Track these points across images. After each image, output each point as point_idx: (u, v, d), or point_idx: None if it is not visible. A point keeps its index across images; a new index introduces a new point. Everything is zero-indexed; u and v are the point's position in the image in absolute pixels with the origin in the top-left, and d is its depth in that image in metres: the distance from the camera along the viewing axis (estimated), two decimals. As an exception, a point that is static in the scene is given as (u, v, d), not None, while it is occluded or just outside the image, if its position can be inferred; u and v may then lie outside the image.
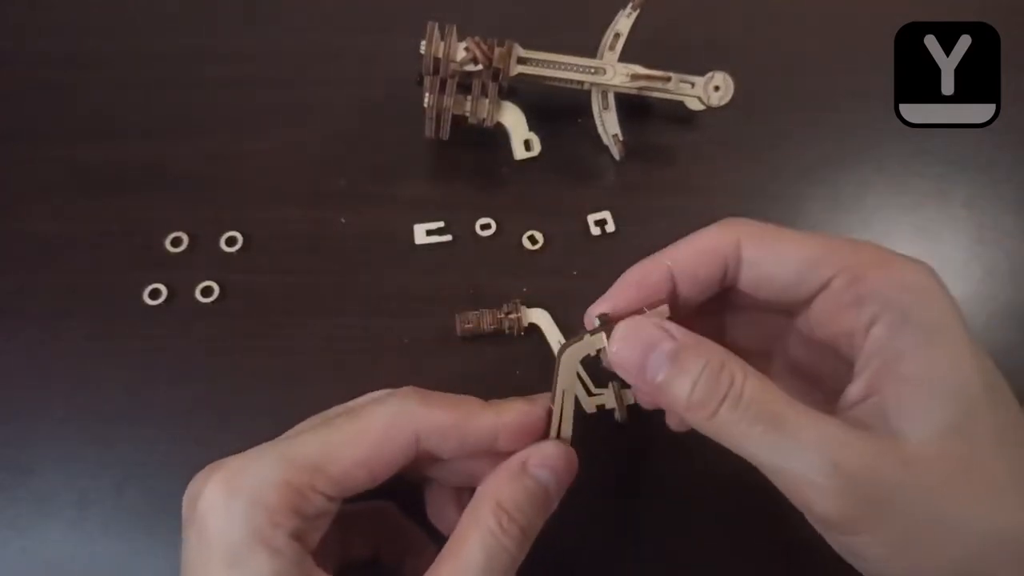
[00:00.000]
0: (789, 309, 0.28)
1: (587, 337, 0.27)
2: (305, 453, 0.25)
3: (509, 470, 0.26)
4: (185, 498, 0.25)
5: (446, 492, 0.30)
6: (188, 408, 0.37)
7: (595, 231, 0.41)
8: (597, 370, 0.33)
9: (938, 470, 0.22)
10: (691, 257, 0.27)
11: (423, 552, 0.29)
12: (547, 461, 0.26)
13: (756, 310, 0.29)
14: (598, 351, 0.27)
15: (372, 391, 0.29)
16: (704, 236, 0.27)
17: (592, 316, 0.28)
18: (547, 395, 0.28)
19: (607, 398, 0.34)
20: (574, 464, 0.27)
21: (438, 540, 0.27)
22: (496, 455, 0.27)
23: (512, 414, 0.27)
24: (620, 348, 0.26)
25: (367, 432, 0.26)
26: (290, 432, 0.28)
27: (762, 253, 0.26)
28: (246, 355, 0.38)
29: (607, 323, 0.27)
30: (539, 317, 0.38)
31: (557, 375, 0.27)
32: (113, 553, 0.34)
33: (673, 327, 0.25)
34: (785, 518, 0.25)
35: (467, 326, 0.38)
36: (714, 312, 0.30)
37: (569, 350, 0.27)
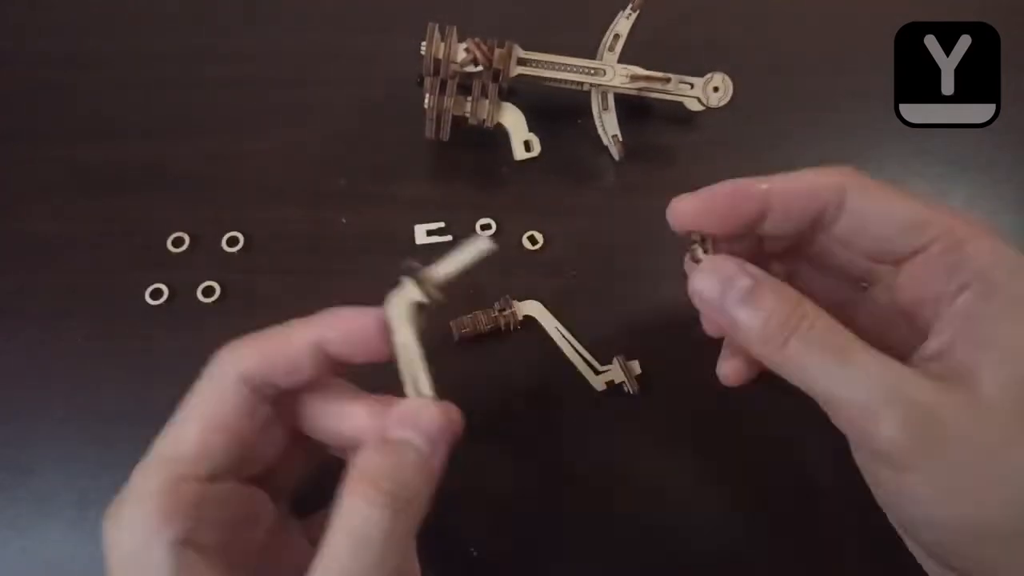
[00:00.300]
0: (874, 267, 0.28)
1: (407, 286, 0.26)
2: (158, 452, 0.25)
3: (369, 444, 0.25)
4: None
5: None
6: (188, 408, 0.37)
7: (595, 230, 0.41)
8: (601, 349, 0.34)
9: (1001, 417, 0.22)
10: (791, 190, 0.27)
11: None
12: (404, 420, 0.25)
13: (830, 273, 0.29)
14: (425, 294, 0.26)
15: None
16: (810, 175, 0.27)
17: (675, 212, 0.28)
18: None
19: (615, 373, 0.34)
20: (445, 416, 0.25)
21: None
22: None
23: (327, 316, 0.27)
24: (701, 281, 0.26)
25: (196, 401, 0.26)
26: None
27: (868, 204, 0.26)
28: (246, 355, 0.38)
29: (698, 239, 0.27)
30: (533, 308, 0.38)
31: (392, 333, 0.26)
32: (113, 553, 0.34)
33: (752, 268, 0.25)
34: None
35: (464, 331, 0.38)
36: (786, 268, 0.31)
37: (390, 302, 0.26)
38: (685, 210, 0.27)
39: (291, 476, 0.29)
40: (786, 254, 0.30)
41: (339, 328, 0.26)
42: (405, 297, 0.26)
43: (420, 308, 0.27)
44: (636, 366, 0.35)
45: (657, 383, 0.35)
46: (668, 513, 0.35)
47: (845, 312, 0.29)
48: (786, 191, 0.27)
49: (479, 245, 0.26)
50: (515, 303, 0.38)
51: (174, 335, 0.39)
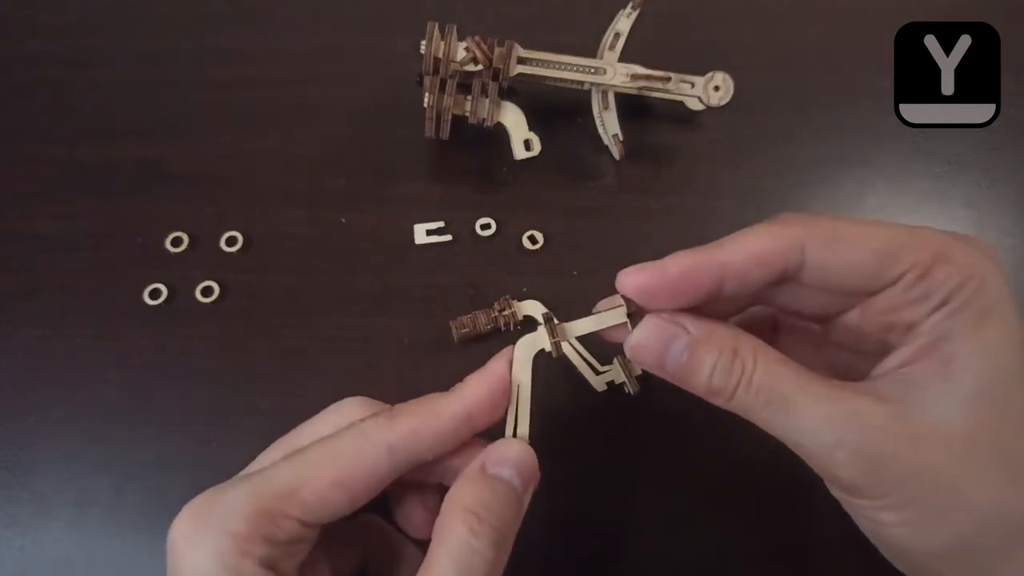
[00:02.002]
0: (840, 302, 0.27)
1: (540, 330, 0.28)
2: (277, 480, 0.25)
3: (469, 475, 0.26)
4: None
5: (411, 494, 0.30)
6: (188, 408, 0.37)
7: (595, 230, 0.41)
8: (601, 347, 0.34)
9: (950, 447, 0.22)
10: (746, 262, 0.25)
11: (412, 563, 0.29)
12: (505, 459, 0.26)
13: (793, 312, 0.29)
14: (554, 345, 0.28)
15: (370, 391, 0.30)
16: (764, 238, 0.25)
17: (622, 287, 0.27)
18: (502, 352, 0.28)
19: (615, 373, 0.34)
20: (535, 461, 0.27)
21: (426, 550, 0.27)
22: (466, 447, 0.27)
23: (473, 387, 0.27)
24: (640, 344, 0.26)
25: (339, 455, 0.26)
26: (252, 465, 0.28)
27: (829, 257, 0.25)
28: (246, 355, 0.38)
29: (632, 311, 0.27)
30: (532, 308, 0.38)
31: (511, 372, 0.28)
32: (112, 553, 0.34)
33: (687, 320, 0.26)
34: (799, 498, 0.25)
35: (463, 331, 0.38)
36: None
37: (521, 343, 0.28)
38: (633, 285, 0.26)
39: None
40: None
41: (483, 399, 0.27)
42: (536, 343, 0.28)
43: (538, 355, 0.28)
44: (636, 366, 0.35)
45: (657, 383, 0.35)
46: (668, 513, 0.35)
47: (817, 326, 0.29)
48: (742, 264, 0.25)
49: (618, 314, 0.27)
50: (515, 303, 0.38)
51: (173, 335, 0.39)
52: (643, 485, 0.35)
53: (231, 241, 0.41)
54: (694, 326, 0.26)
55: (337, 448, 0.26)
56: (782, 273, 0.25)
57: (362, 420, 0.26)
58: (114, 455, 0.36)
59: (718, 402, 0.25)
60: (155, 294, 0.39)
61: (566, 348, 0.37)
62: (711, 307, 0.26)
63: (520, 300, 0.39)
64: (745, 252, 0.25)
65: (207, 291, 0.40)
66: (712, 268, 0.25)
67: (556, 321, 0.28)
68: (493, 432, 0.28)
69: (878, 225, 0.25)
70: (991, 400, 0.23)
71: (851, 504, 0.25)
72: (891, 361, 0.25)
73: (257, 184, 0.43)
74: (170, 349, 0.38)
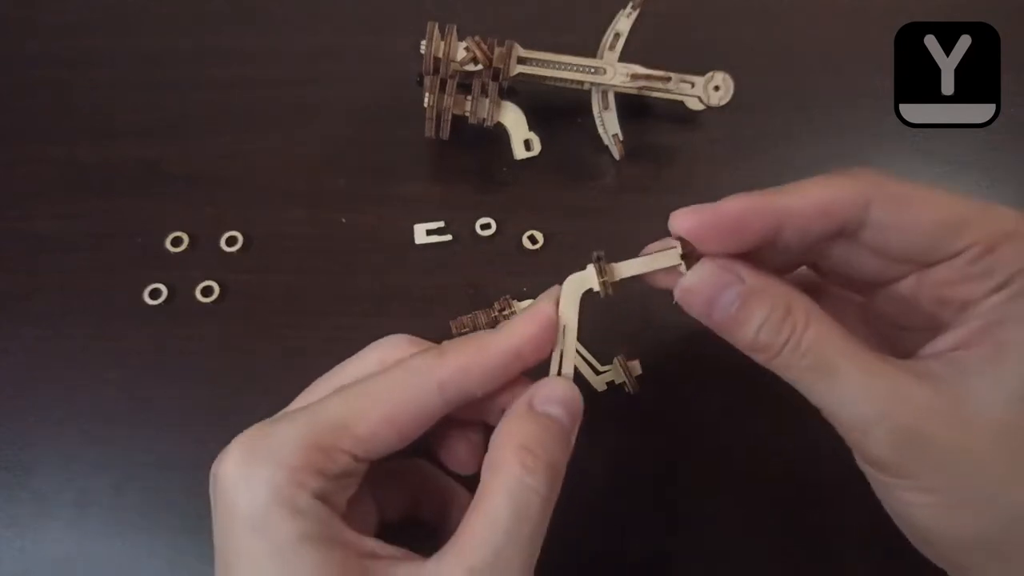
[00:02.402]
0: (910, 265, 0.26)
1: (589, 269, 0.27)
2: (330, 413, 0.25)
3: (517, 412, 0.26)
4: (211, 476, 0.25)
5: (455, 430, 0.29)
6: (188, 408, 0.37)
7: (595, 230, 0.41)
8: (601, 347, 0.34)
9: (992, 437, 0.22)
10: (808, 209, 0.24)
11: (463, 506, 0.29)
12: (553, 396, 0.26)
13: (840, 278, 0.28)
14: (605, 283, 0.27)
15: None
16: (830, 188, 0.24)
17: (676, 226, 0.26)
18: (547, 293, 0.28)
19: (615, 373, 0.34)
20: (580, 399, 0.27)
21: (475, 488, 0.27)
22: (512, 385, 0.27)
23: (522, 324, 0.27)
24: (691, 288, 0.25)
25: (390, 391, 0.26)
26: (294, 404, 0.28)
27: (895, 219, 0.24)
28: (246, 355, 0.38)
29: (686, 252, 0.26)
30: None
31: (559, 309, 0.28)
32: (112, 553, 0.34)
33: (743, 269, 0.25)
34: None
35: (463, 330, 0.37)
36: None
37: (569, 282, 0.28)
38: (688, 224, 0.25)
39: None
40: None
41: (532, 338, 0.27)
42: (584, 281, 0.28)
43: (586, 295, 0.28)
44: (636, 366, 0.35)
45: (657, 383, 0.35)
46: (668, 513, 0.35)
47: (862, 295, 0.29)
48: (803, 213, 0.24)
49: (670, 256, 0.26)
50: (515, 303, 0.38)
51: (173, 335, 0.39)
52: (643, 485, 0.35)
53: (231, 241, 0.41)
54: (749, 276, 0.25)
55: (389, 384, 0.26)
56: (842, 227, 0.24)
57: (412, 356, 0.26)
58: (114, 455, 0.36)
59: (761, 358, 0.25)
60: (155, 294, 0.39)
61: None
62: (762, 257, 0.25)
63: (520, 300, 0.38)
64: (808, 200, 0.24)
65: (207, 291, 0.40)
66: (772, 212, 0.24)
67: (605, 260, 0.27)
68: (535, 372, 0.28)
69: (948, 194, 0.24)
70: None
71: (880, 482, 0.24)
72: (942, 342, 0.24)
73: (257, 184, 0.43)
74: (170, 349, 0.38)
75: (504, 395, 0.27)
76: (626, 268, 0.28)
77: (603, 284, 0.27)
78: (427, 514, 0.30)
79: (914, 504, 0.23)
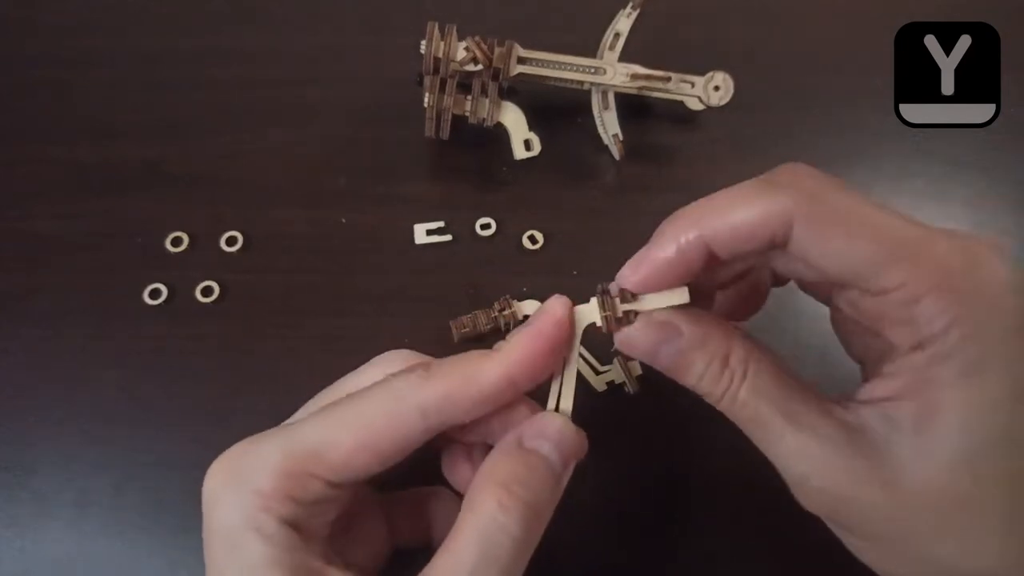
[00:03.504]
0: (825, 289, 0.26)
1: (592, 302, 0.26)
2: (304, 439, 0.25)
3: (504, 448, 0.25)
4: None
5: (458, 449, 0.29)
6: (188, 408, 0.37)
7: (595, 230, 0.41)
8: (600, 348, 0.34)
9: (918, 500, 0.22)
10: (730, 235, 0.23)
11: None
12: (544, 432, 0.25)
13: (787, 281, 0.29)
14: (608, 318, 0.26)
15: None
16: (749, 210, 0.23)
17: (627, 286, 0.26)
18: (549, 308, 0.26)
19: (615, 373, 0.34)
20: (579, 438, 0.26)
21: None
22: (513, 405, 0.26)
23: (518, 349, 0.25)
24: (631, 345, 0.26)
25: (366, 416, 0.25)
26: (296, 415, 0.28)
27: (816, 243, 0.22)
28: (246, 355, 0.38)
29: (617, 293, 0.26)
30: (532, 308, 0.38)
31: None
32: (112, 553, 0.34)
33: (683, 321, 0.25)
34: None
35: (464, 330, 0.38)
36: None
37: (578, 315, 0.26)
38: (634, 282, 0.25)
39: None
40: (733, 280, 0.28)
41: (526, 363, 0.25)
42: (589, 315, 0.26)
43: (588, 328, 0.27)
44: (636, 366, 0.35)
45: (657, 383, 0.35)
46: (668, 513, 0.35)
47: (821, 295, 0.28)
48: (726, 236, 0.23)
49: (676, 295, 0.25)
50: (515, 303, 0.38)
51: (173, 335, 0.39)
52: (643, 485, 0.35)
53: (231, 241, 0.41)
54: (689, 327, 0.25)
55: (366, 407, 0.25)
56: (770, 243, 0.23)
57: (395, 376, 0.25)
58: (114, 455, 0.36)
59: (709, 401, 0.26)
60: (155, 294, 0.39)
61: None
62: (715, 273, 0.26)
63: (520, 300, 0.39)
64: (727, 226, 0.23)
65: (207, 291, 0.40)
66: (698, 245, 0.24)
67: (611, 294, 0.26)
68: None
69: (889, 219, 0.22)
70: (968, 464, 0.21)
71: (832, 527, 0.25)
72: (875, 389, 0.23)
73: (257, 184, 0.43)
74: (170, 349, 0.38)
75: (505, 417, 0.26)
76: (635, 306, 0.26)
77: (606, 319, 0.26)
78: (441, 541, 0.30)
79: (855, 547, 0.24)
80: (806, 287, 0.28)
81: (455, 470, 0.29)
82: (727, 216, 0.23)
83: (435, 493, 0.30)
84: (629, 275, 0.25)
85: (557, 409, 0.27)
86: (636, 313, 0.26)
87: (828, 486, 0.23)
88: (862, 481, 0.22)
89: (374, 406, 0.25)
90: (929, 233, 0.22)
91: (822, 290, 0.26)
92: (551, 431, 0.25)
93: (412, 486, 0.31)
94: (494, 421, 0.27)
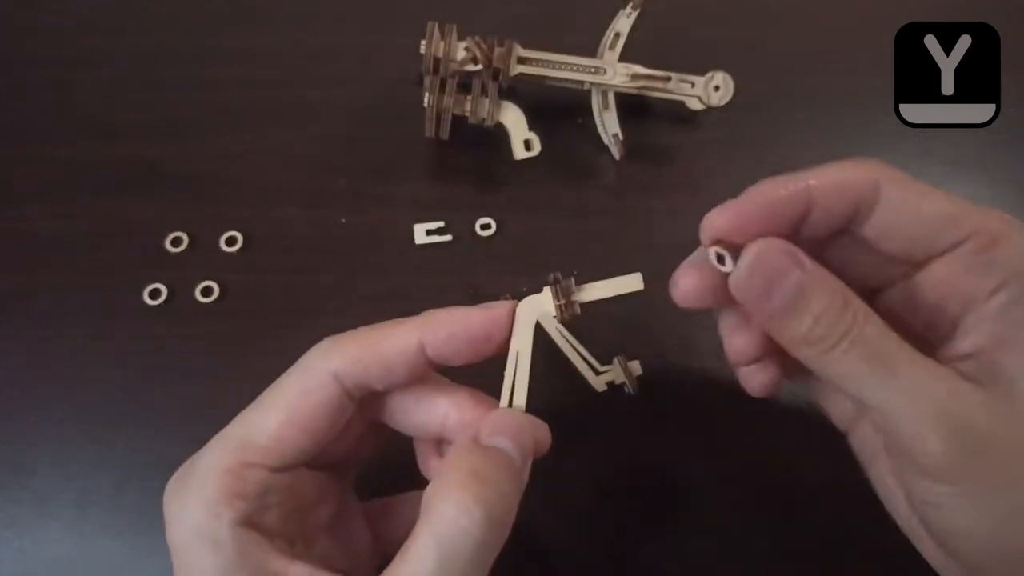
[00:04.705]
0: (908, 264, 0.26)
1: (545, 291, 0.26)
2: (234, 434, 0.25)
3: (460, 445, 0.24)
4: None
5: (428, 444, 0.29)
6: (188, 408, 0.37)
7: (595, 230, 0.41)
8: (601, 348, 0.34)
9: None
10: (830, 188, 0.24)
11: None
12: (500, 429, 0.24)
13: (858, 255, 0.27)
14: (562, 307, 0.25)
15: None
16: (843, 169, 0.24)
17: (709, 228, 0.25)
18: (497, 304, 0.26)
19: (615, 373, 0.34)
20: (537, 431, 0.25)
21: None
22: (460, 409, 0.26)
23: (433, 318, 0.26)
24: (747, 273, 0.23)
25: (283, 394, 0.25)
26: None
27: (905, 198, 0.24)
28: (246, 355, 0.38)
29: (727, 247, 0.24)
30: None
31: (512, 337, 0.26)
32: (112, 553, 0.34)
33: (803, 255, 0.23)
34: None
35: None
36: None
37: (523, 305, 0.26)
38: (721, 224, 0.24)
39: (358, 459, 0.29)
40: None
41: (443, 330, 0.25)
42: (540, 306, 0.26)
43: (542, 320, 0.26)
44: (636, 366, 0.35)
45: (657, 383, 0.35)
46: (668, 513, 0.35)
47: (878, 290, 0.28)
48: (826, 189, 0.24)
49: (632, 281, 0.25)
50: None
51: (173, 335, 0.39)
52: (643, 485, 0.35)
53: (231, 241, 0.41)
54: (811, 264, 0.23)
55: (283, 386, 0.25)
56: (857, 207, 0.24)
57: (307, 352, 0.26)
58: (114, 455, 0.36)
59: (808, 353, 0.23)
60: (155, 294, 0.39)
61: (565, 347, 0.37)
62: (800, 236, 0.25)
63: (509, 295, 0.38)
64: (829, 179, 0.24)
65: (207, 291, 0.40)
66: (801, 192, 0.24)
67: (564, 283, 0.26)
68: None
69: (944, 191, 0.24)
70: None
71: (914, 485, 0.23)
72: (961, 345, 0.23)
73: (257, 184, 0.43)
74: (170, 349, 0.38)
75: (460, 412, 0.26)
76: (588, 292, 0.26)
77: (560, 308, 0.26)
78: None
79: (960, 512, 0.22)
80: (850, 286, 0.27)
81: (427, 463, 0.29)
82: (824, 176, 0.24)
83: (415, 497, 0.30)
84: (717, 214, 0.25)
85: (511, 405, 0.26)
86: (580, 304, 0.25)
87: (962, 421, 0.21)
88: (995, 414, 0.21)
89: (288, 383, 0.25)
90: (974, 204, 0.24)
91: (875, 281, 0.26)
92: (508, 427, 0.25)
93: (397, 492, 0.31)
94: (456, 419, 0.26)
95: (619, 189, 0.43)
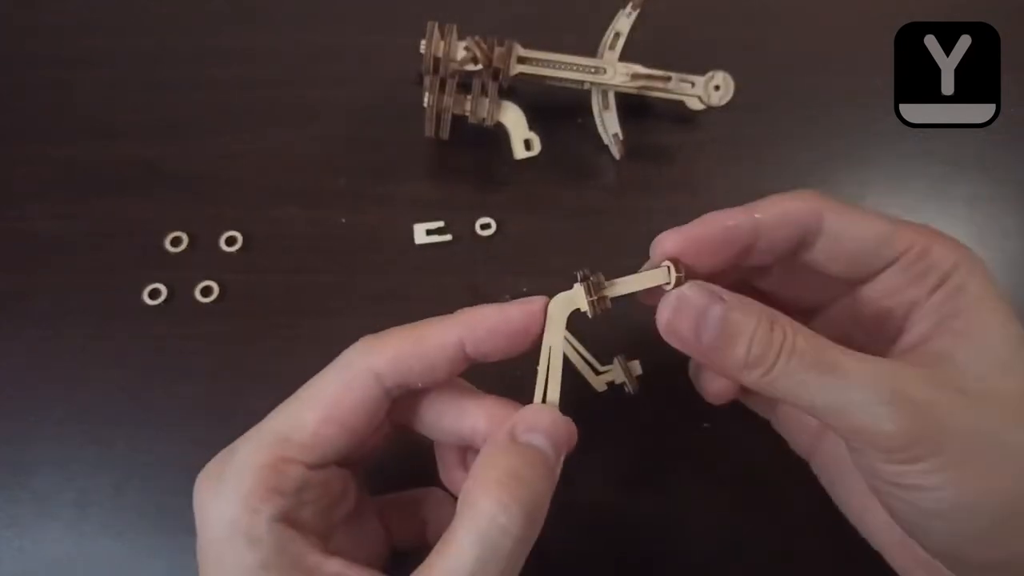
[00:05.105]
0: (851, 282, 0.28)
1: (576, 288, 0.26)
2: (272, 429, 0.25)
3: (497, 443, 0.25)
4: None
5: (452, 452, 0.29)
6: (188, 408, 0.37)
7: (595, 230, 0.41)
8: (601, 348, 0.34)
9: (995, 399, 0.23)
10: (775, 220, 0.26)
11: None
12: (536, 425, 0.25)
13: (803, 277, 0.29)
14: (594, 302, 0.26)
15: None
16: (787, 201, 0.27)
17: (660, 250, 0.27)
18: (531, 299, 0.27)
19: (615, 373, 0.34)
20: (569, 428, 0.26)
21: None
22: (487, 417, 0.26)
23: (474, 315, 0.26)
24: (671, 318, 0.25)
25: (323, 391, 0.25)
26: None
27: (845, 225, 0.26)
28: (246, 355, 0.38)
29: (679, 274, 0.26)
30: None
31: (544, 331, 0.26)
32: (112, 553, 0.34)
33: (720, 289, 0.25)
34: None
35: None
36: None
37: (555, 302, 0.26)
38: (671, 247, 0.26)
39: (373, 456, 0.30)
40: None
41: (483, 327, 0.26)
42: (572, 301, 0.26)
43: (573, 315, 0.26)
44: (636, 366, 0.35)
45: (657, 383, 0.35)
46: (669, 513, 0.35)
47: (822, 309, 0.30)
48: (772, 220, 0.26)
49: (660, 274, 0.26)
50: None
51: (173, 335, 0.39)
52: (643, 485, 0.35)
53: (231, 241, 0.41)
54: (728, 295, 0.25)
55: (322, 383, 0.26)
56: (803, 236, 0.26)
57: (349, 349, 0.26)
58: (114, 455, 0.36)
59: (752, 378, 0.24)
60: (155, 294, 0.39)
61: (565, 347, 0.37)
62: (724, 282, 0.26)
63: (510, 296, 0.38)
64: (776, 210, 0.26)
65: (206, 291, 0.40)
66: (747, 224, 0.26)
67: (594, 278, 0.26)
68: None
69: (883, 214, 0.27)
70: (1007, 367, 0.23)
71: (888, 476, 0.23)
72: (907, 339, 0.26)
73: (257, 184, 0.43)
74: (170, 349, 0.38)
75: (490, 420, 0.26)
76: (617, 288, 0.27)
77: (592, 304, 0.26)
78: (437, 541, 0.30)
79: (928, 487, 0.23)
80: (792, 308, 0.28)
81: (450, 474, 0.29)
82: (770, 208, 0.26)
83: (430, 494, 0.30)
84: (668, 237, 0.26)
85: (544, 401, 0.27)
86: (611, 299, 0.26)
87: (914, 398, 0.22)
88: (945, 387, 0.23)
89: (329, 379, 0.26)
90: (903, 220, 0.27)
91: (817, 300, 0.29)
92: (543, 423, 0.25)
93: (407, 488, 0.32)
94: (482, 425, 0.26)
95: (619, 189, 0.43)
